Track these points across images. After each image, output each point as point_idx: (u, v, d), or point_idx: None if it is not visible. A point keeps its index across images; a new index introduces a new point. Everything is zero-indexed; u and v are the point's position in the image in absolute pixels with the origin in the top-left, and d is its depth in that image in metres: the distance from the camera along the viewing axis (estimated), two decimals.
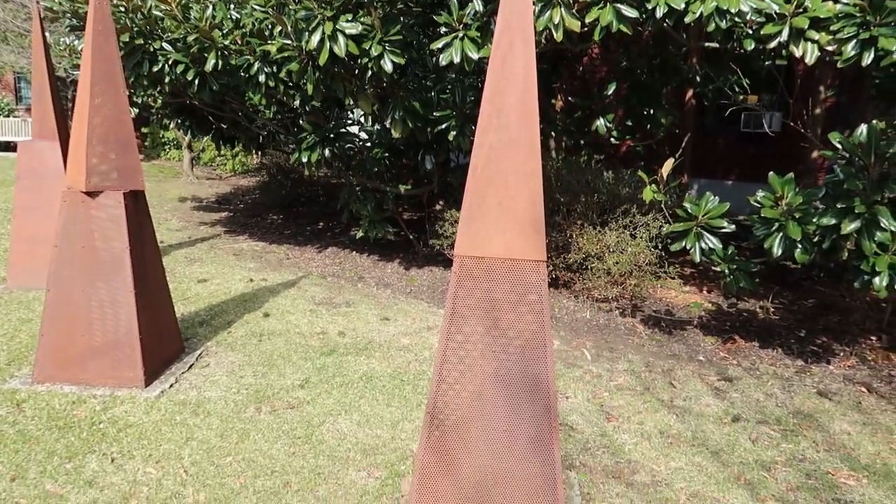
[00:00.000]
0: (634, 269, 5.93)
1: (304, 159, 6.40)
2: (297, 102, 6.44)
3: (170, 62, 5.96)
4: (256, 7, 5.25)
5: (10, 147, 19.12)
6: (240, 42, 5.62)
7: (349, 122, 6.56)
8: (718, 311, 6.19)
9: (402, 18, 4.85)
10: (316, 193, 12.08)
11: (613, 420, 3.93)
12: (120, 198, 3.86)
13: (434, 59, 5.24)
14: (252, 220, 10.17)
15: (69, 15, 6.14)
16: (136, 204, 4.00)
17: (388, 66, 4.69)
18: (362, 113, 7.25)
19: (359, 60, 4.83)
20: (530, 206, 2.61)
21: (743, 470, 3.43)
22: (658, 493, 3.17)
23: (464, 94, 5.45)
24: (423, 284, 6.73)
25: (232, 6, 5.80)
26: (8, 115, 19.66)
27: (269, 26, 5.40)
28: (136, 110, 9.52)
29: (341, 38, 4.53)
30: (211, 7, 5.45)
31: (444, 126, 5.47)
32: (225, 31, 5.50)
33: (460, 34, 4.57)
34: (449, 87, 5.60)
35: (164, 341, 4.24)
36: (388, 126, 5.37)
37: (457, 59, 4.55)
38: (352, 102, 5.74)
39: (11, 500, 2.74)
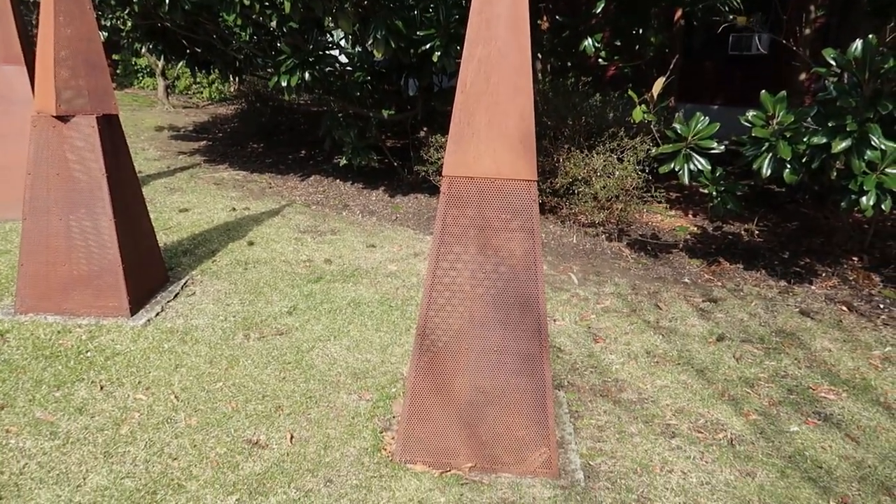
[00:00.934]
0: (621, 193, 5.89)
1: (283, 83, 6.18)
2: (273, 23, 6.17)
3: None
4: None
5: None
6: None
7: (329, 44, 6.30)
8: (704, 235, 6.21)
9: None
10: (296, 121, 11.80)
11: (600, 341, 3.97)
12: (93, 121, 3.70)
13: None
14: (232, 148, 9.93)
15: None
16: (110, 128, 3.85)
17: None
18: (342, 34, 6.99)
19: None
20: (521, 123, 2.53)
21: (727, 387, 3.50)
22: (644, 409, 3.23)
23: (448, 13, 5.24)
24: (408, 211, 6.66)
25: None
26: None
27: None
28: (106, 34, 9.10)
29: None
30: None
31: (427, 46, 5.27)
32: None
33: None
34: (432, 5, 5.37)
35: (148, 270, 4.18)
36: (369, 47, 5.17)
37: None
38: (332, 23, 5.49)
39: (1, 428, 2.73)
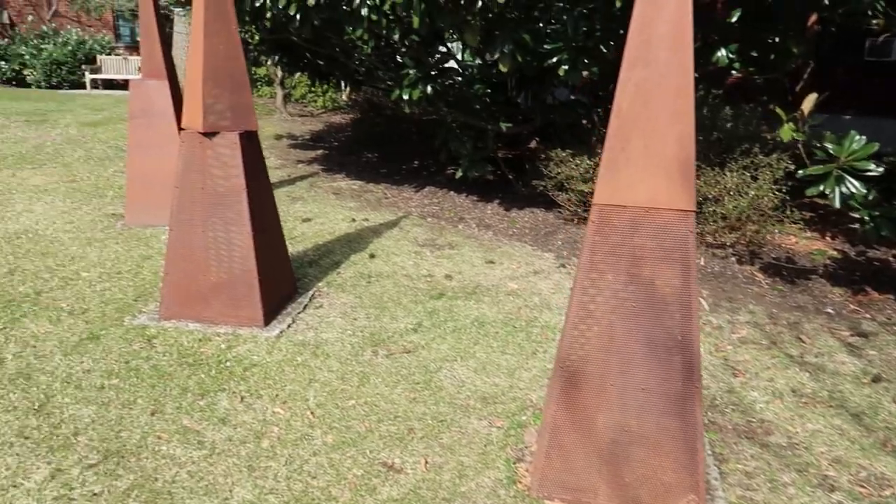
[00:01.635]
0: (755, 213, 5.54)
1: (405, 96, 6.25)
2: (396, 37, 6.25)
3: None
4: None
5: (112, 85, 19.90)
6: None
7: (450, 57, 6.32)
8: (846, 260, 5.74)
9: None
10: (409, 131, 11.97)
11: (740, 376, 3.71)
12: (235, 138, 3.85)
13: None
14: (347, 157, 10.19)
15: None
16: (250, 144, 3.99)
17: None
18: (461, 47, 6.99)
19: None
20: (680, 150, 2.38)
21: (889, 436, 3.18)
22: (797, 456, 2.98)
23: (576, 26, 5.11)
24: (525, 226, 6.56)
25: None
26: (109, 54, 20.36)
27: None
28: None
29: None
30: None
31: (554, 60, 5.17)
32: None
33: None
34: (559, 18, 5.26)
35: (280, 281, 4.30)
36: (493, 60, 5.12)
37: None
38: (456, 35, 5.49)
39: (153, 433, 2.86)
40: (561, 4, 5.45)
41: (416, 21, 4.86)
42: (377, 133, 11.37)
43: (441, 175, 8.88)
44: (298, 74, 9.14)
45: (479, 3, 4.59)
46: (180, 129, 6.15)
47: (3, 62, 18.87)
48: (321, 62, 8.44)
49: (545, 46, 5.10)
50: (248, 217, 3.90)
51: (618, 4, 4.31)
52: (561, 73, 5.16)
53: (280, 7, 5.78)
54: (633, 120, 2.39)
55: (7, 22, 22.25)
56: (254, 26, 8.16)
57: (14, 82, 19.12)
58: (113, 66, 19.88)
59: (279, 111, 15.34)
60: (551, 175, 6.38)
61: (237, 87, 3.86)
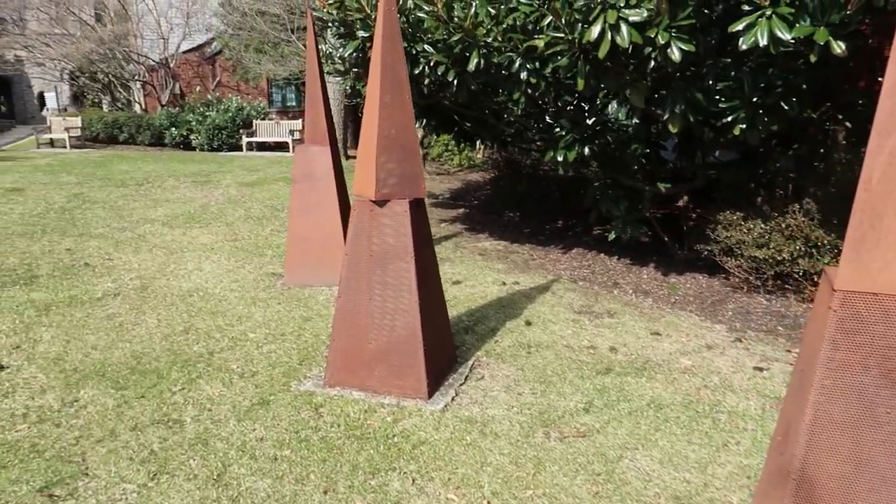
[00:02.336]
0: None
1: (560, 158, 6.10)
2: (550, 98, 6.14)
3: (430, 64, 5.98)
4: (522, 0, 5.01)
5: (265, 146, 21.41)
6: (501, 39, 5.44)
7: (606, 116, 6.12)
8: None
9: (690, 0, 4.30)
10: (549, 189, 11.82)
11: None
12: (405, 206, 3.82)
13: (730, 42, 4.62)
14: (489, 216, 10.16)
15: (337, 23, 6.41)
16: (417, 211, 3.95)
17: (675, 55, 4.18)
18: (615, 106, 6.78)
19: (642, 50, 4.38)
20: None
21: None
22: None
23: (754, 81, 4.76)
24: (687, 294, 6.11)
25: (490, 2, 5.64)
26: (263, 118, 21.98)
27: (534, 20, 5.14)
28: None
29: (624, 28, 4.11)
30: (474, 5, 5.32)
31: (729, 118, 4.83)
32: (487, 29, 5.35)
33: (767, 12, 3.92)
34: (734, 73, 4.93)
35: (442, 349, 4.18)
36: (663, 120, 4.85)
37: (763, 42, 3.91)
38: (622, 96, 5.29)
39: None
40: (728, 60, 5.13)
41: (580, 83, 4.72)
42: (517, 191, 11.30)
43: (588, 235, 8.60)
44: (446, 136, 9.28)
45: (652, 64, 4.38)
46: (339, 191, 6.39)
47: (173, 128, 20.87)
48: (468, 124, 8.51)
49: (720, 104, 4.77)
50: (416, 285, 3.83)
51: (812, 59, 3.94)
52: (736, 131, 4.79)
53: (439, 73, 5.86)
54: (885, 194, 2.05)
55: (178, 92, 24.75)
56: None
57: (182, 146, 21.06)
58: (266, 130, 21.42)
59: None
60: (718, 239, 5.93)
61: (408, 156, 3.85)
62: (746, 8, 4.00)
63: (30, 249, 7.40)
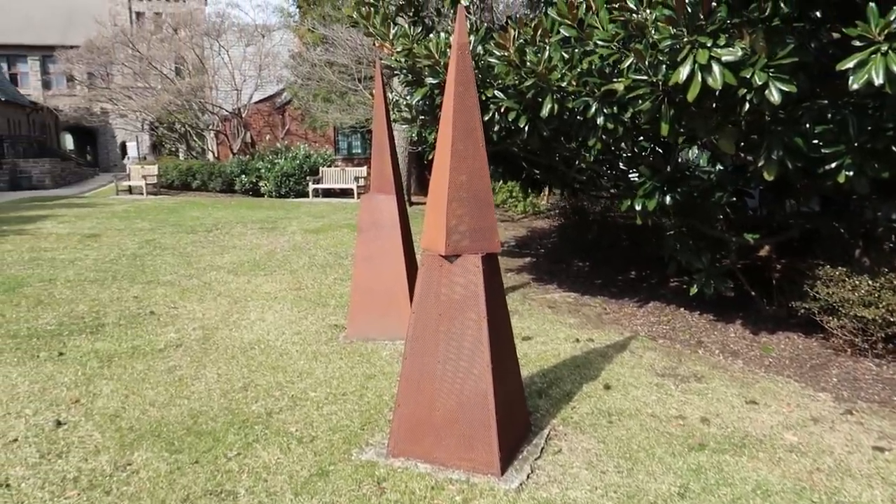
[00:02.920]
0: None
1: (638, 207, 5.72)
2: (627, 144, 5.81)
3: (501, 110, 5.77)
4: (600, 43, 4.75)
5: (330, 193, 21.72)
6: (576, 83, 5.17)
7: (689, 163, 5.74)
8: None
9: (789, 37, 3.94)
10: (618, 237, 11.37)
11: None
12: (478, 261, 3.53)
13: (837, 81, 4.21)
14: (556, 266, 9.78)
15: (405, 71, 6.30)
16: (490, 266, 3.65)
17: (775, 97, 3.80)
18: (696, 152, 6.38)
19: (735, 92, 4.02)
20: None
21: None
22: None
23: (860, 124, 4.31)
24: (782, 355, 5.56)
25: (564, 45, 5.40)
26: (330, 165, 22.35)
27: (612, 63, 4.86)
28: None
29: (716, 68, 3.78)
30: (548, 49, 5.09)
31: (833, 165, 4.38)
32: (562, 73, 5.10)
33: (882, 48, 3.52)
34: (833, 114, 4.49)
35: (514, 417, 3.82)
36: (757, 167, 4.44)
37: (878, 80, 3.50)
38: (706, 141, 4.92)
39: None
40: (825, 101, 4.70)
41: (664, 129, 4.38)
42: (585, 239, 10.89)
43: (664, 288, 8.10)
44: (513, 183, 9.03)
45: (746, 106, 4.01)
46: (405, 241, 6.18)
47: (243, 175, 21.43)
48: (536, 171, 8.24)
49: (823, 150, 4.34)
50: (488, 347, 3.50)
51: None
52: (841, 178, 4.34)
53: (509, 119, 5.63)
54: None
55: (249, 141, 25.56)
56: None
57: (251, 192, 21.57)
58: (332, 177, 21.76)
59: None
60: (817, 296, 5.39)
61: (481, 208, 3.58)
62: (857, 44, 3.61)
63: (99, 297, 7.46)
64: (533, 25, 5.16)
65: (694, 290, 6.47)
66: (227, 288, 7.99)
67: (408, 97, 6.90)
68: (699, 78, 3.81)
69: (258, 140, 25.79)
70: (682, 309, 7.09)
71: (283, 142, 24.38)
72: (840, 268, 5.20)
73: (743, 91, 3.96)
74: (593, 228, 10.81)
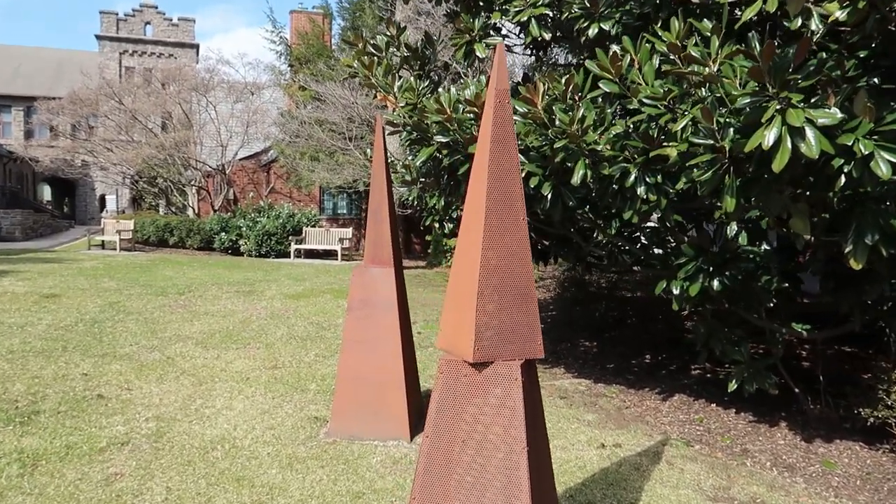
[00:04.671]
0: None
1: (676, 290, 4.92)
2: (670, 219, 5.03)
3: (522, 175, 5.00)
4: (647, 101, 4.03)
5: (312, 254, 20.87)
6: (612, 147, 4.44)
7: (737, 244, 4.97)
8: None
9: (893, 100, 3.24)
10: (624, 313, 10.56)
11: None
12: (516, 371, 2.66)
13: None
14: (561, 346, 8.89)
15: (409, 128, 5.55)
16: (530, 378, 2.79)
17: (883, 170, 3.06)
18: (734, 229, 5.63)
19: (827, 163, 3.29)
20: None
21: None
22: None
23: None
24: (850, 473, 4.67)
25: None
26: (314, 225, 21.54)
27: (662, 125, 4.14)
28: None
29: (810, 132, 3.05)
30: (582, 109, 4.37)
31: None
32: (598, 135, 4.36)
33: None
34: None
35: None
36: (843, 252, 3.68)
37: None
38: (783, 219, 4.16)
39: None
40: None
41: (730, 203, 3.61)
42: (591, 316, 10.05)
43: (685, 376, 7.24)
44: None
45: (842, 181, 3.26)
46: (402, 322, 5.30)
47: (223, 233, 20.52)
48: (546, 242, 7.46)
49: None
50: (528, 488, 2.60)
51: None
52: None
53: (531, 186, 4.86)
54: None
55: (231, 198, 24.76)
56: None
57: (230, 251, 20.62)
58: (315, 237, 20.94)
59: None
60: (890, 404, 4.55)
61: (521, 300, 2.74)
62: None
63: (42, 373, 6.42)
64: (564, 80, 4.45)
65: (733, 385, 5.60)
66: (193, 364, 6.98)
67: (409, 157, 6.14)
68: (788, 144, 3.06)
69: (241, 197, 25.00)
70: (713, 405, 6.21)
71: (267, 200, 23.62)
72: None
73: (839, 162, 3.21)
74: (601, 304, 10.01)
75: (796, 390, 5.89)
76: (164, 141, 23.96)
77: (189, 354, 7.42)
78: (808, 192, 3.73)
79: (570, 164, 4.48)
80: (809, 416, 5.75)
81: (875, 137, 3.11)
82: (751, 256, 4.94)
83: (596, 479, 4.38)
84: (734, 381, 5.59)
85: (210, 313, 10.09)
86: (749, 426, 5.66)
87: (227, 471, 4.28)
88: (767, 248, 5.26)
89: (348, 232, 21.32)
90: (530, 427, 2.68)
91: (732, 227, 5.62)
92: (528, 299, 2.75)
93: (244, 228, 20.24)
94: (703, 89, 3.64)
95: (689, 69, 3.44)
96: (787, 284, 5.11)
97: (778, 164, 3.08)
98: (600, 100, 4.72)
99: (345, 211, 25.35)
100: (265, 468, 4.36)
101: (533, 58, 8.02)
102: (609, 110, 4.68)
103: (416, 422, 5.25)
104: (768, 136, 3.06)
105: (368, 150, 15.29)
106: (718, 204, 3.82)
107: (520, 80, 6.84)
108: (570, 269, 10.69)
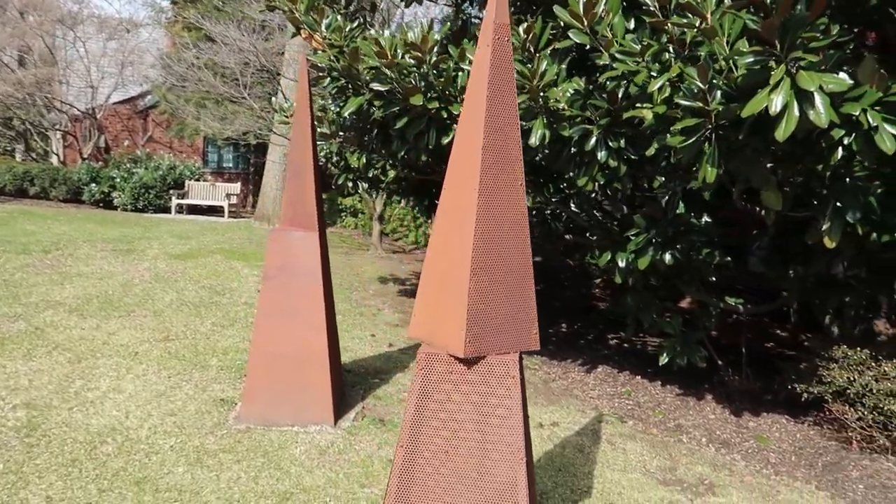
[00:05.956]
0: None
1: (622, 263, 4.67)
2: (626, 187, 4.73)
3: None
4: (619, 56, 3.64)
5: (196, 210, 19.44)
6: (570, 106, 4.04)
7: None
8: None
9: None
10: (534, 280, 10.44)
11: None
12: (514, 368, 2.23)
13: None
14: None
15: (336, 73, 4.89)
16: (522, 374, 2.36)
17: (887, 144, 2.84)
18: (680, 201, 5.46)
19: (825, 134, 3.04)
20: None
21: None
22: None
23: None
24: (783, 449, 4.67)
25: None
26: (198, 179, 19.99)
27: (640, 84, 3.76)
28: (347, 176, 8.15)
29: (818, 99, 2.76)
30: (545, 62, 3.92)
31: None
32: (562, 94, 3.94)
33: None
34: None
35: None
36: (818, 231, 3.51)
37: None
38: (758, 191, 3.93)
39: None
40: None
41: (710, 174, 3.32)
42: None
43: (604, 345, 7.16)
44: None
45: (839, 153, 3.03)
46: (326, 291, 4.73)
47: (94, 184, 18.57)
48: None
49: None
50: (526, 496, 2.19)
51: None
52: None
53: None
54: None
55: (103, 146, 22.49)
56: (389, 162, 6.91)
57: (101, 204, 18.73)
58: (200, 192, 19.45)
59: (374, 247, 14.12)
60: (825, 380, 4.56)
61: (519, 283, 2.29)
62: None
63: None
64: (523, 29, 3.97)
65: (664, 359, 5.51)
66: (68, 336, 6.03)
67: (332, 107, 5.47)
68: (795, 111, 2.77)
69: (115, 145, 22.78)
70: (637, 377, 6.14)
71: (145, 149, 21.64)
72: (865, 350, 4.40)
73: (840, 133, 2.98)
74: None
75: (719, 363, 5.90)
76: (23, 78, 21.23)
77: (62, 324, 6.42)
78: (787, 165, 3.51)
79: (529, 124, 4.04)
80: (731, 388, 5.77)
81: (878, 108, 2.89)
82: (695, 229, 4.76)
83: (543, 465, 4.08)
84: (665, 355, 5.49)
85: (84, 275, 8.92)
86: (678, 399, 5.61)
87: (123, 471, 3.59)
88: (708, 220, 5.11)
89: (236, 187, 19.98)
90: (527, 432, 2.27)
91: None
92: (525, 281, 2.31)
93: (118, 180, 18.39)
94: (694, 47, 3.29)
95: (685, 21, 3.08)
96: (728, 258, 4.99)
97: (783, 133, 2.79)
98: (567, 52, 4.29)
99: (231, 165, 23.75)
100: (169, 466, 3.70)
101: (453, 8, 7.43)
102: (563, 66, 4.27)
103: (340, 403, 4.74)
104: (776, 101, 2.76)
105: (271, 100, 14.12)
106: (695, 172, 3.52)
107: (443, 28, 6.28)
108: None
